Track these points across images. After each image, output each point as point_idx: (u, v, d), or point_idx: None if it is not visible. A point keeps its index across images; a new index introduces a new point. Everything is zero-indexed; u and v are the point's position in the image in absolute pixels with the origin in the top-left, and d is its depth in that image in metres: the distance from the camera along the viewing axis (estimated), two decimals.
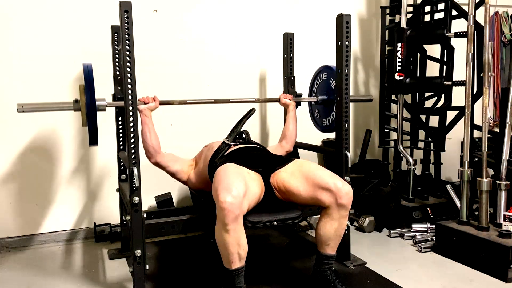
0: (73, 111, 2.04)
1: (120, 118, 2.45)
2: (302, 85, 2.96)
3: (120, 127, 2.47)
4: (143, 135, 2.19)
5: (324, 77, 2.60)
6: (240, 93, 3.12)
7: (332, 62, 2.38)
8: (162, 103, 2.25)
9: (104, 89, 2.49)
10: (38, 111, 2.09)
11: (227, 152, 2.22)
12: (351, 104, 2.37)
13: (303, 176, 1.98)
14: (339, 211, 1.92)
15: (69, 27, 2.72)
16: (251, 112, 2.42)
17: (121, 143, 2.48)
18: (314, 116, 2.77)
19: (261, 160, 2.13)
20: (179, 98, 2.93)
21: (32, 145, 2.71)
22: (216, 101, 2.51)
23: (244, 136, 2.41)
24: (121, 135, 2.48)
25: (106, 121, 2.53)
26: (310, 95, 2.77)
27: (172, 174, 2.39)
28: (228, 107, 3.01)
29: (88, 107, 1.94)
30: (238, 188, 1.78)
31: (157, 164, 2.31)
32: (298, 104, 2.72)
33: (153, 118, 2.86)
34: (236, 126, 2.37)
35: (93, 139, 2.01)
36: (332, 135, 2.47)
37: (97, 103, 1.99)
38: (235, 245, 1.77)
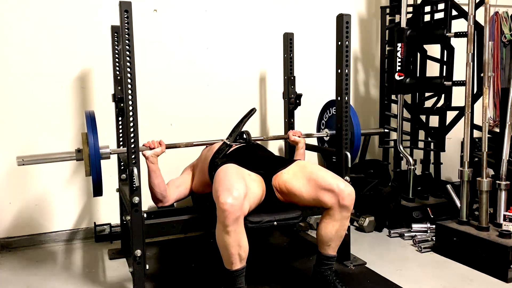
0: (76, 161, 1.99)
1: (120, 119, 2.45)
2: (302, 86, 2.96)
3: (120, 127, 2.47)
4: (150, 183, 2.14)
5: (334, 111, 2.54)
6: (240, 93, 3.12)
7: (333, 62, 2.38)
8: (168, 147, 2.18)
9: (106, 94, 2.49)
10: (38, 163, 2.02)
11: (227, 152, 2.22)
12: (351, 104, 2.37)
13: (305, 177, 1.98)
14: (341, 212, 1.92)
15: (69, 27, 2.72)
16: (251, 112, 2.42)
17: (121, 143, 2.48)
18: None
19: (263, 162, 2.13)
20: (179, 97, 2.96)
21: (32, 144, 2.70)
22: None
23: (244, 136, 2.41)
24: (121, 135, 2.48)
25: (106, 121, 2.53)
26: (318, 130, 2.75)
27: (182, 199, 2.39)
28: (228, 107, 3.02)
29: (92, 157, 1.88)
30: (239, 189, 1.77)
31: (165, 206, 2.29)
32: (299, 101, 2.70)
33: (153, 118, 2.88)
34: (237, 126, 2.37)
35: (97, 191, 1.96)
36: None
37: (101, 151, 1.93)
38: (236, 246, 1.77)
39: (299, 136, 2.50)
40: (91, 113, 1.96)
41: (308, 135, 2.61)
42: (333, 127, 2.57)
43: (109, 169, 2.75)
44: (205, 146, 2.47)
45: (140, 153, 1.96)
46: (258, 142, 2.47)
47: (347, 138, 2.32)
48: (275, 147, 3.23)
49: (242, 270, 1.82)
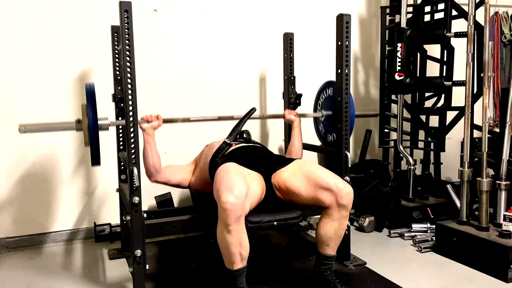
0: (75, 131, 1.99)
1: (120, 118, 2.45)
2: (302, 86, 2.96)
3: (120, 127, 2.47)
4: (144, 154, 2.16)
5: (330, 92, 2.55)
6: (240, 93, 3.12)
7: (333, 62, 2.37)
8: (165, 121, 2.21)
9: (106, 91, 2.49)
10: (40, 132, 2.06)
11: (228, 151, 2.23)
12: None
13: (304, 176, 1.98)
14: (339, 211, 1.92)
15: (70, 27, 2.72)
16: (251, 111, 2.42)
17: (121, 143, 2.49)
18: (319, 131, 2.74)
19: (262, 160, 2.13)
20: (179, 98, 2.97)
21: (32, 145, 2.71)
22: (220, 118, 2.44)
23: (244, 135, 2.42)
24: (121, 135, 2.48)
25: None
26: (315, 110, 2.75)
27: (175, 186, 2.40)
28: (228, 107, 3.02)
29: (90, 128, 1.90)
30: (240, 188, 1.78)
31: (157, 182, 2.29)
32: (299, 101, 2.71)
33: None
34: (237, 126, 2.38)
35: (95, 160, 1.97)
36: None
37: (99, 122, 1.94)
38: (237, 245, 1.76)
39: (294, 116, 2.53)
40: (91, 85, 1.97)
41: (303, 115, 2.62)
42: (328, 108, 2.56)
43: (109, 169, 2.76)
44: (206, 145, 2.48)
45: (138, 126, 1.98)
46: (258, 142, 2.47)
47: (347, 139, 2.32)
48: (275, 148, 3.23)
49: (243, 270, 1.82)
